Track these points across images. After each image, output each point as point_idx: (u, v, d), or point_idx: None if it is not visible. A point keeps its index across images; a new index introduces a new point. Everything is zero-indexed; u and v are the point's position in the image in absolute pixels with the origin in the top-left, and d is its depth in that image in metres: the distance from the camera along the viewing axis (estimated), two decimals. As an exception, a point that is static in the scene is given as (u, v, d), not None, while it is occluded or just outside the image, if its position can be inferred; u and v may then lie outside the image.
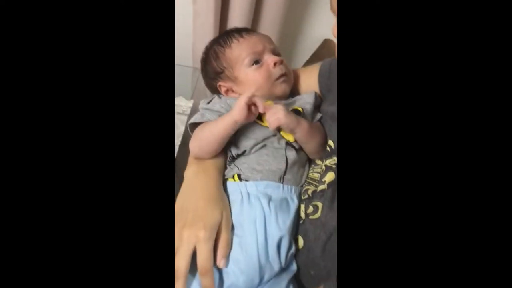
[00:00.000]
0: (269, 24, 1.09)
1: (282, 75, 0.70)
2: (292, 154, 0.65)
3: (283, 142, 0.66)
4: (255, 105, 0.61)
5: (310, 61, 1.14)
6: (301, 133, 0.63)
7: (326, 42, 1.11)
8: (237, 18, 1.03)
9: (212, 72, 0.75)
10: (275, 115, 0.61)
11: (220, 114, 0.67)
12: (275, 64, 0.70)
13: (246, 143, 0.66)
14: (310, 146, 0.66)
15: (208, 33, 1.04)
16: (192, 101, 1.02)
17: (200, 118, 0.68)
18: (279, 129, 0.64)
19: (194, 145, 0.66)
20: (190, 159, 0.69)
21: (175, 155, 0.88)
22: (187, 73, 1.21)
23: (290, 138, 0.65)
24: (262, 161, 0.64)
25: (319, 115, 0.71)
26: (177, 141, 0.95)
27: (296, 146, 0.67)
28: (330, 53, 1.04)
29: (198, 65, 1.15)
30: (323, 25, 1.17)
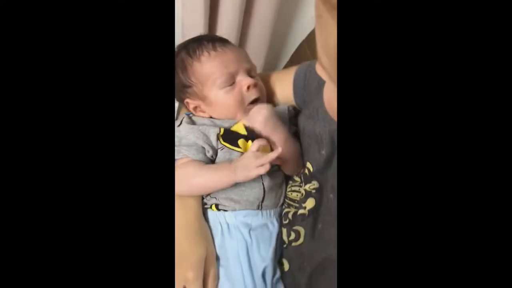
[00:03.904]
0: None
1: (255, 100, 0.66)
2: (268, 179, 0.63)
3: None
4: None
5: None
6: (278, 142, 0.62)
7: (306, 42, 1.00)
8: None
9: (179, 84, 0.68)
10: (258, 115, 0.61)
11: (197, 148, 0.62)
12: (248, 87, 0.65)
13: None
14: (287, 160, 0.64)
15: (199, 8, 0.95)
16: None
17: (176, 155, 0.63)
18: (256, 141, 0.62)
19: (182, 190, 0.61)
20: None
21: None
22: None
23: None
24: (239, 192, 0.62)
25: (293, 129, 0.68)
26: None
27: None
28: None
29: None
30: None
